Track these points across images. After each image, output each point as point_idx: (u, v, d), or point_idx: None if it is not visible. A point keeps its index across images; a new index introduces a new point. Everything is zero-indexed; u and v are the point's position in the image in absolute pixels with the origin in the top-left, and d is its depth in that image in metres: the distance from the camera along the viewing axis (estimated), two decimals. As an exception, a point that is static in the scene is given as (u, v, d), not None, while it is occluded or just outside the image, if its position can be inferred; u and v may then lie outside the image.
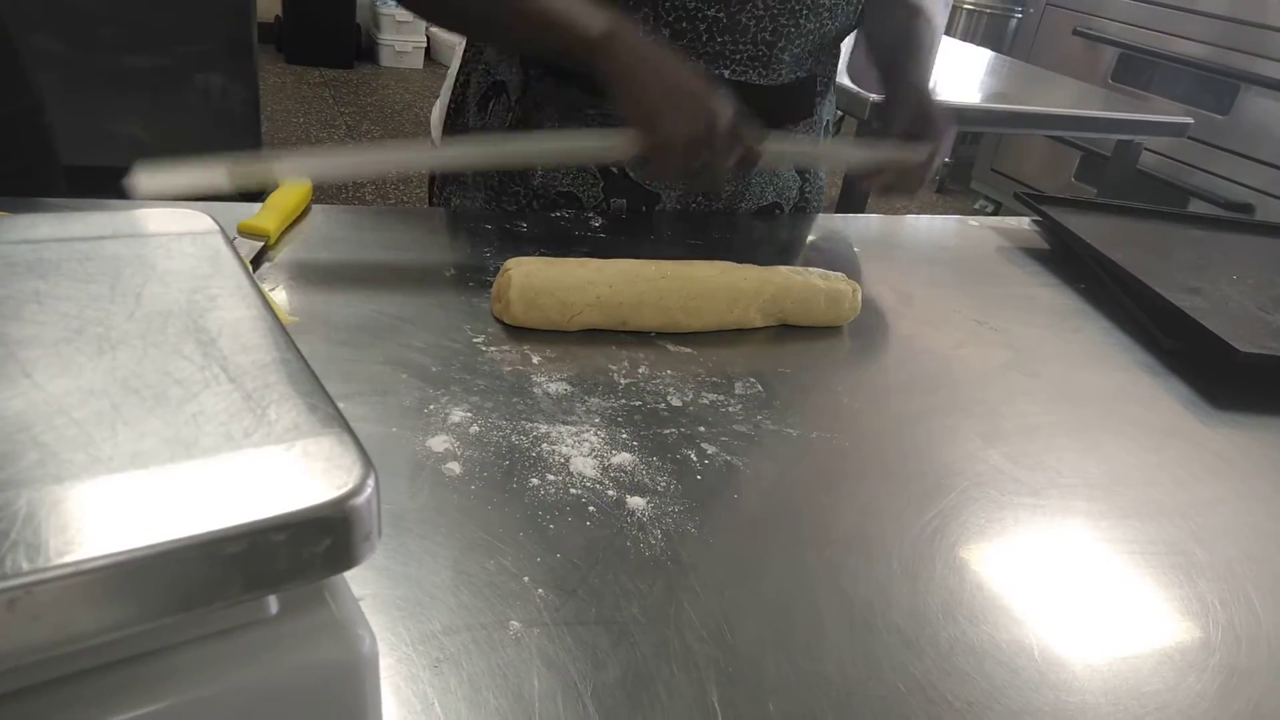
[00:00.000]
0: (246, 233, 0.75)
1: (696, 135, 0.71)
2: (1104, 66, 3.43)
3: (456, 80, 1.02)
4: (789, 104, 0.95)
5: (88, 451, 0.24)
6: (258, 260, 0.74)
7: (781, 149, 0.88)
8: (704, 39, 0.86)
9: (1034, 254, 1.04)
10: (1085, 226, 1.03)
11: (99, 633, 0.22)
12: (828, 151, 1.07)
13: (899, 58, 0.95)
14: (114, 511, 0.22)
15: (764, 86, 0.90)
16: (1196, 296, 0.91)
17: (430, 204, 1.07)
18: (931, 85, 0.93)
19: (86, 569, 0.21)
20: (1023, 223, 1.13)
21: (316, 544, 0.24)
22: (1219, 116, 3.04)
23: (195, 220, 0.36)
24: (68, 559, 0.21)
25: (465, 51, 1.01)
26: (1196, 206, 3.02)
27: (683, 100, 0.72)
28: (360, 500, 0.25)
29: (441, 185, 1.04)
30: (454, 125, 1.03)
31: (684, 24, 0.85)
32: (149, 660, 0.25)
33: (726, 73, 0.88)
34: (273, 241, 0.76)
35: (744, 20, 0.85)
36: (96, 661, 0.25)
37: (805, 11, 0.87)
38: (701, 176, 0.74)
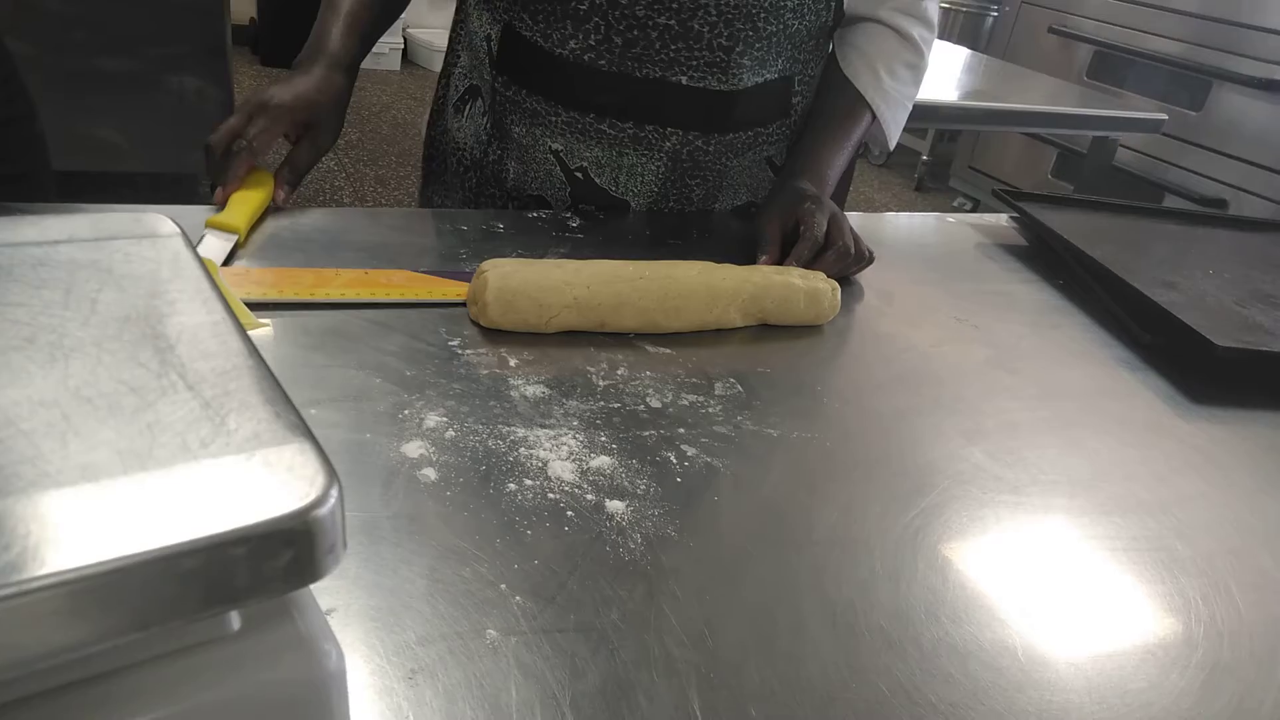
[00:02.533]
0: (217, 228, 0.74)
1: (245, 108, 0.82)
2: (1079, 64, 3.46)
3: (439, 82, 1.02)
4: (759, 107, 0.94)
5: (35, 465, 0.23)
6: (230, 258, 0.73)
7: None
8: (657, 47, 0.84)
9: (1012, 250, 1.04)
10: (1063, 223, 1.03)
11: (49, 655, 0.21)
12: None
13: (807, 142, 0.94)
14: (63, 527, 0.21)
15: (726, 92, 0.88)
16: (1173, 291, 0.91)
17: (421, 205, 1.07)
18: (827, 181, 0.92)
19: (33, 588, 0.20)
20: (1001, 219, 1.13)
21: (278, 557, 0.23)
22: (1192, 113, 3.07)
23: (155, 223, 0.35)
24: (13, 578, 0.20)
25: (446, 55, 1.00)
26: (1171, 202, 3.05)
27: (264, 93, 0.82)
28: (323, 511, 0.24)
29: (424, 185, 1.04)
30: (435, 126, 1.03)
31: (635, 33, 0.83)
32: (104, 681, 0.24)
33: (684, 79, 0.86)
34: (243, 238, 0.74)
35: (697, 27, 0.83)
36: (48, 684, 0.24)
37: (763, 15, 0.84)
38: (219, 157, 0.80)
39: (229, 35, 2.58)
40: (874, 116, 0.96)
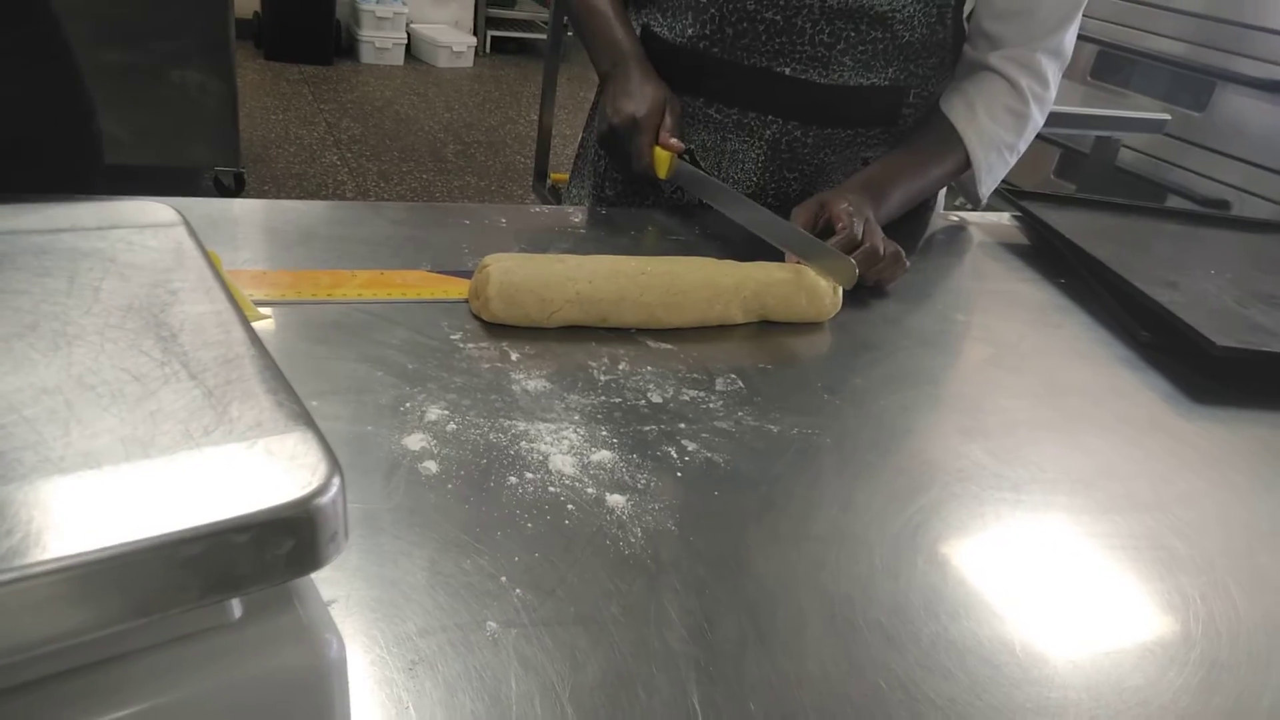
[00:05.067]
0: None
1: (616, 126, 0.90)
2: (1083, 63, 3.45)
3: None
4: (862, 108, 0.96)
5: (38, 451, 0.23)
6: None
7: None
8: (763, 39, 0.91)
9: (1014, 249, 1.04)
10: (1065, 222, 1.03)
11: (50, 640, 0.21)
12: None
13: (881, 162, 0.95)
14: (65, 513, 0.22)
15: (827, 86, 0.93)
16: (1175, 291, 0.91)
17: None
18: (885, 201, 0.91)
19: (35, 574, 0.20)
20: (1003, 218, 1.13)
21: (279, 545, 0.23)
22: (1196, 114, 3.06)
23: (158, 212, 0.35)
24: (15, 563, 0.20)
25: None
26: (1174, 203, 3.05)
27: (617, 108, 0.91)
28: (325, 500, 0.24)
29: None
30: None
31: (744, 24, 0.91)
32: (106, 668, 0.25)
33: (788, 70, 0.92)
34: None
35: (800, 23, 0.90)
36: (49, 670, 0.24)
37: (867, 20, 0.89)
38: (626, 157, 0.90)
39: (232, 29, 2.58)
40: (969, 160, 0.96)
